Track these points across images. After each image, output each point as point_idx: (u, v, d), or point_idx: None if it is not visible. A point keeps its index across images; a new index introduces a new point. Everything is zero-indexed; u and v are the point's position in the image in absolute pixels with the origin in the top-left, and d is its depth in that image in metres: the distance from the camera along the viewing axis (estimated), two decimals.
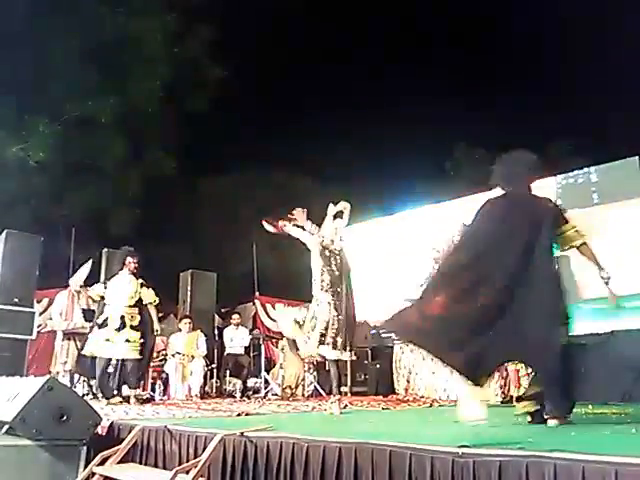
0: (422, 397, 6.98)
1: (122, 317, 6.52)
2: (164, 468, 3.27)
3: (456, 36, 17.79)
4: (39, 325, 7.74)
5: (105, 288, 6.74)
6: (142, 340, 6.61)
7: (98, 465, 3.30)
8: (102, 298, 6.70)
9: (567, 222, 3.40)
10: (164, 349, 8.73)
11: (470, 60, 17.35)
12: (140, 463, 3.45)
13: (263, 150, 16.17)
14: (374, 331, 8.74)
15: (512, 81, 16.66)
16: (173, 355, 8.35)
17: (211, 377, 8.85)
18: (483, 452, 2.13)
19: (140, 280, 6.79)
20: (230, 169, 16.86)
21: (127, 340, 6.47)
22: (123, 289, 6.65)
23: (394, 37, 18.19)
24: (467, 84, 16.46)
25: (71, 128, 11.85)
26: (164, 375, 8.52)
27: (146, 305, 6.77)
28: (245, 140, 16.57)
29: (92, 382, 7.13)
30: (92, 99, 12.19)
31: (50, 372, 7.27)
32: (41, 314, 8.31)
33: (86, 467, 3.35)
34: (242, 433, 2.94)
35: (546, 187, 8.72)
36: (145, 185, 14.01)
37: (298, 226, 5.30)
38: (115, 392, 6.62)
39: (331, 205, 5.33)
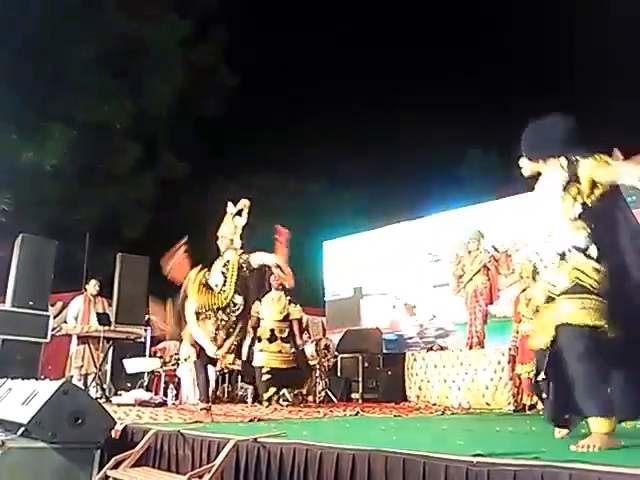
0: (434, 405, 6.95)
1: (272, 330, 7.10)
2: (177, 472, 3.28)
3: (471, 41, 17.80)
4: (53, 328, 7.78)
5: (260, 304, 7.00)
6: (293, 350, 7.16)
7: (112, 469, 3.32)
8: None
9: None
10: (176, 353, 8.75)
11: (485, 64, 17.35)
12: (153, 467, 3.46)
13: (277, 155, 16.21)
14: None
15: (528, 85, 16.63)
16: (185, 359, 8.35)
17: (223, 382, 8.85)
18: (498, 461, 2.12)
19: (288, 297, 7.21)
20: (243, 173, 16.91)
21: (279, 351, 7.06)
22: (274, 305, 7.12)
23: (411, 41, 18.20)
24: (483, 88, 16.43)
25: (86, 133, 11.95)
26: (176, 380, 8.54)
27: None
28: (258, 144, 16.64)
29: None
30: (107, 104, 12.31)
31: (64, 375, 7.31)
32: (55, 317, 8.36)
33: (100, 470, 3.37)
34: (255, 439, 2.95)
35: None
36: (159, 189, 14.10)
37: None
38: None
39: (230, 204, 5.28)
